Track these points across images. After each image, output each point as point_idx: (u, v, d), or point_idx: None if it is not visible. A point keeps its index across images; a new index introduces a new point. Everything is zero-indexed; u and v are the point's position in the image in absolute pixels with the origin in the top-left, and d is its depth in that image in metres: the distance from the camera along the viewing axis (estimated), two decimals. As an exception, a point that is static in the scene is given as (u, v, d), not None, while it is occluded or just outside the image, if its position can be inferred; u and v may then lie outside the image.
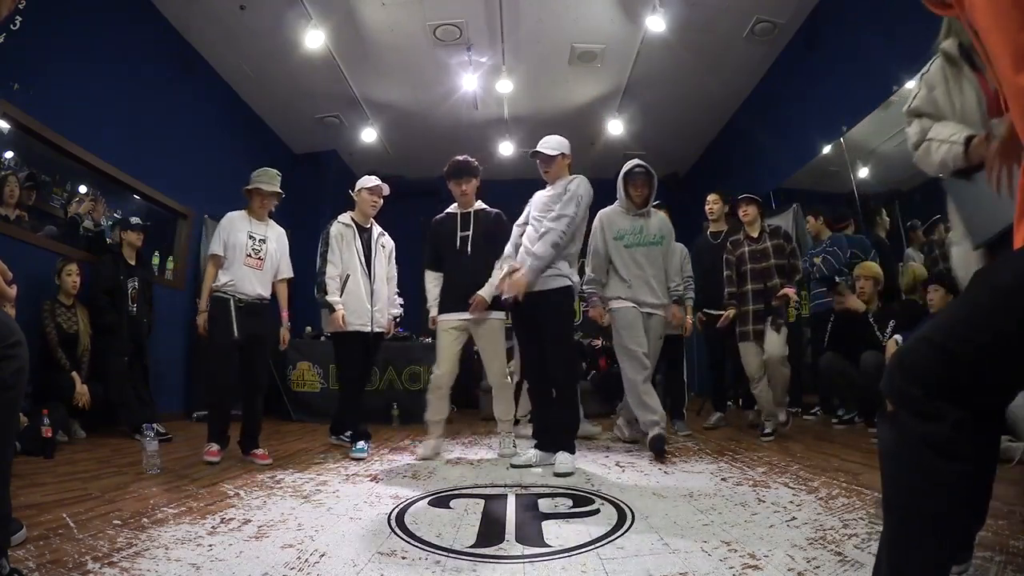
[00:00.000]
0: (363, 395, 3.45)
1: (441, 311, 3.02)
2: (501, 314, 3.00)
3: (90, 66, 3.90)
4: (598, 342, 5.48)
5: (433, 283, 3.08)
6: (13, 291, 1.05)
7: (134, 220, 4.01)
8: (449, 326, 2.96)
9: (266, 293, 2.97)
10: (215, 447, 2.78)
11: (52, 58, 3.58)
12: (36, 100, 3.46)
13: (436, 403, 3.02)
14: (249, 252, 2.90)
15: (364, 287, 3.20)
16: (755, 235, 3.61)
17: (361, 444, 3.07)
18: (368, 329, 3.19)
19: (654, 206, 3.31)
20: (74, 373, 3.39)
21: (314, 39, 4.65)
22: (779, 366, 3.39)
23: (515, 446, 3.03)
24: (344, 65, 5.32)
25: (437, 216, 3.16)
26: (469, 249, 2.97)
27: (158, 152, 4.60)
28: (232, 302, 2.83)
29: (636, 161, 3.18)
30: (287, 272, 3.11)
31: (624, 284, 3.08)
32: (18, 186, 3.63)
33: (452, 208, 3.12)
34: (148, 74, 4.47)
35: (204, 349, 3.06)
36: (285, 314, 3.11)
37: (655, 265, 3.14)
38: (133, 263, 3.96)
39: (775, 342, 3.40)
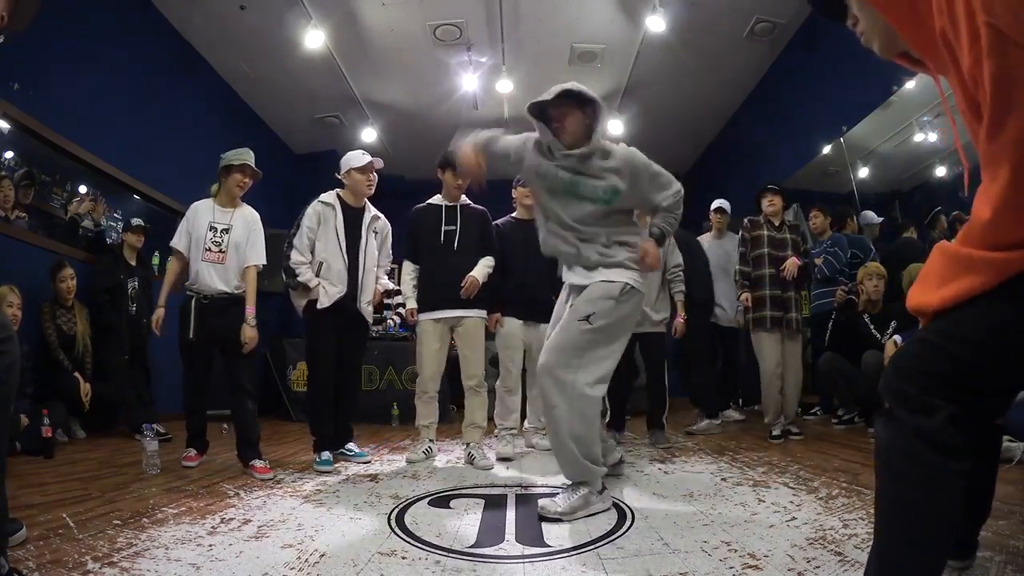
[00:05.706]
0: (332, 397, 2.85)
1: (421, 309, 2.87)
2: (482, 312, 2.89)
3: (90, 66, 3.89)
4: None
5: (411, 275, 2.91)
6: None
7: (135, 221, 4.01)
8: (431, 326, 2.84)
9: (234, 289, 2.65)
10: (191, 452, 2.71)
11: (52, 58, 3.57)
12: (36, 100, 3.46)
13: (424, 407, 2.93)
14: (208, 246, 2.60)
15: (341, 275, 2.77)
16: (776, 224, 3.47)
17: (326, 455, 2.66)
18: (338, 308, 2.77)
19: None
20: (76, 373, 3.39)
21: (314, 39, 4.65)
22: (798, 375, 3.37)
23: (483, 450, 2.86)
24: (344, 65, 5.32)
25: (418, 206, 3.00)
26: (455, 245, 2.82)
27: (158, 152, 4.60)
28: (194, 300, 2.60)
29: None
30: (255, 259, 2.69)
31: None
32: (12, 187, 3.61)
33: (436, 199, 2.94)
34: (148, 74, 4.47)
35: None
36: (251, 309, 2.63)
37: None
38: (133, 263, 3.97)
39: (795, 352, 3.37)
